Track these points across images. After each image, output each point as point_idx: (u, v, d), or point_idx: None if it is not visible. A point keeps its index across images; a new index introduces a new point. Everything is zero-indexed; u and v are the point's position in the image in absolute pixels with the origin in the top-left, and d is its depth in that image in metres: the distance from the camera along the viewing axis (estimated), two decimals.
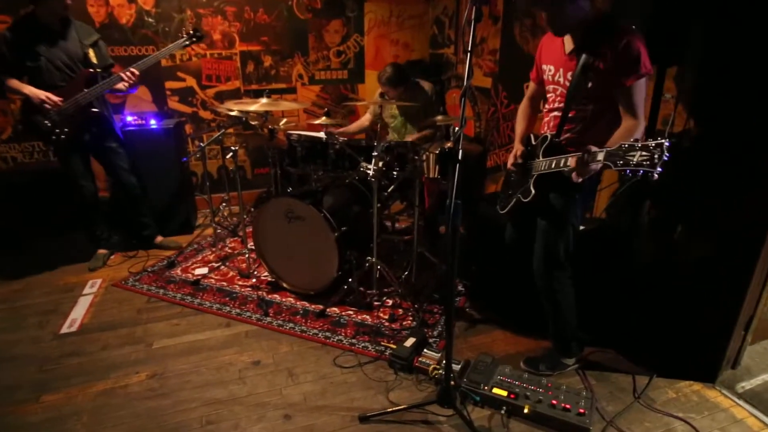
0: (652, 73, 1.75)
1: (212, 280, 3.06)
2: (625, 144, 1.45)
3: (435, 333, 2.52)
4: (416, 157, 2.72)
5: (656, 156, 1.34)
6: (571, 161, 1.74)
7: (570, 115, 1.91)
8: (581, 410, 1.89)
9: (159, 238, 3.55)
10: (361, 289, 2.83)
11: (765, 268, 2.00)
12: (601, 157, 1.57)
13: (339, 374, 2.20)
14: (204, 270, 3.19)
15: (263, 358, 2.32)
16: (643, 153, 1.38)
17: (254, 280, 3.05)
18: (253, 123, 3.07)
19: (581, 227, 2.21)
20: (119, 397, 2.06)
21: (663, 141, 1.34)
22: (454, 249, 1.67)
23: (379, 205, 2.68)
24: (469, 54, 1.66)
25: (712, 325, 2.15)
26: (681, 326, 2.27)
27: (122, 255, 3.42)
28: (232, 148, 2.82)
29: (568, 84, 1.87)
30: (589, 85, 1.79)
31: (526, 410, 1.92)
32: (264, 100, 2.73)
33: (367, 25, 4.31)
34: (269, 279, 3.01)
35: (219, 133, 3.08)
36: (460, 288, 2.97)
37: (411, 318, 2.64)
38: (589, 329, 2.29)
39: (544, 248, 2.09)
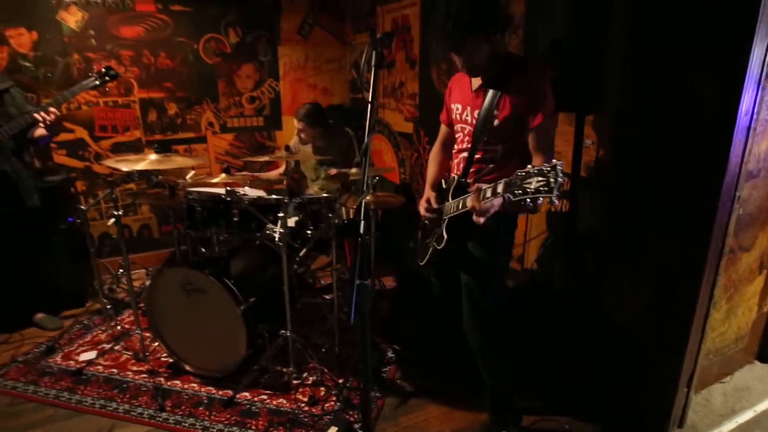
0: (556, 113, 1.68)
1: (100, 368, 2.57)
2: (521, 172, 1.31)
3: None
4: (330, 215, 2.45)
5: (552, 179, 1.22)
6: (469, 200, 1.58)
7: (477, 156, 1.79)
8: None
9: (39, 315, 3.00)
10: (278, 367, 2.46)
11: (702, 318, 1.89)
12: (500, 189, 1.41)
13: None
14: (91, 354, 2.68)
15: None
16: (539, 178, 1.25)
17: (150, 364, 2.59)
18: (158, 178, 2.70)
19: (512, 282, 2.02)
20: None
21: (556, 163, 1.22)
22: (365, 339, 1.39)
23: (296, 266, 2.37)
24: (370, 104, 1.45)
25: (655, 382, 2.00)
26: (625, 384, 2.11)
27: None
28: (115, 213, 2.39)
29: (475, 122, 1.76)
30: (495, 123, 1.68)
31: None
32: (153, 156, 2.37)
33: (282, 69, 4.08)
34: (170, 360, 2.57)
35: (103, 194, 2.65)
36: (390, 354, 2.68)
37: (335, 398, 2.30)
38: (530, 394, 2.08)
39: (470, 305, 1.89)
